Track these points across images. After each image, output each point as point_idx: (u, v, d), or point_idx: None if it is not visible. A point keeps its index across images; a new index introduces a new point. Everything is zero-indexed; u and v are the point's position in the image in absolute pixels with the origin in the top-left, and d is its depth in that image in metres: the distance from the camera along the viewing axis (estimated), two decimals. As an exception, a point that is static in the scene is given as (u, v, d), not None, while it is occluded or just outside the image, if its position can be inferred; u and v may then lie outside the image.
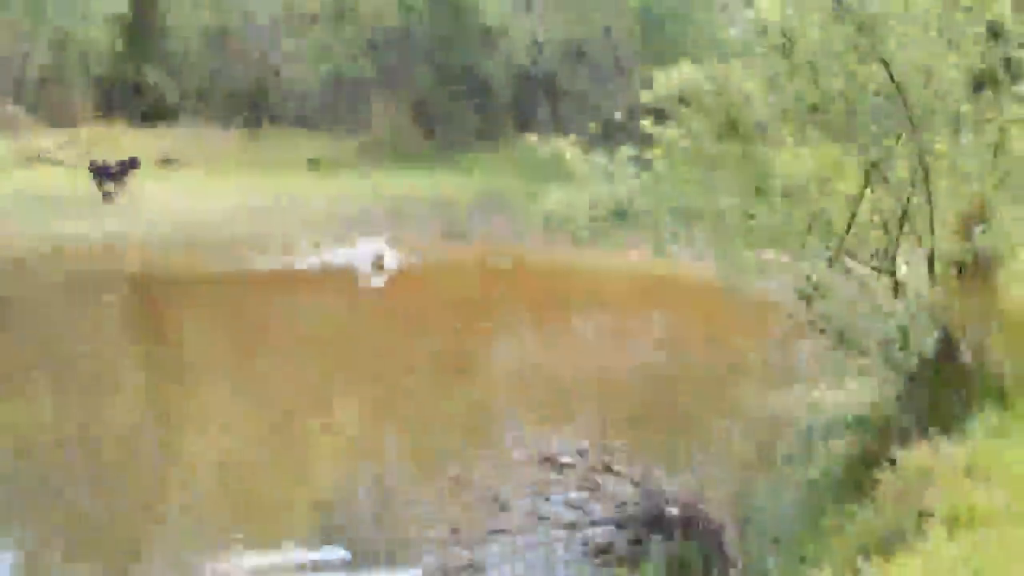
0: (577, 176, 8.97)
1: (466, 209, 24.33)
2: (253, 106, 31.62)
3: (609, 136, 9.69)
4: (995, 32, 7.97)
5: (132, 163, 26.78)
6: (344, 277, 19.95)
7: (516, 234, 22.45)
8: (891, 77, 7.89)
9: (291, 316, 17.36)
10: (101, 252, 21.13)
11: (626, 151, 9.02)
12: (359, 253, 20.51)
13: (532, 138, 9.48)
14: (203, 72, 33.41)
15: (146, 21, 33.53)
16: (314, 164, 28.09)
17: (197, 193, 25.29)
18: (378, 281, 19.64)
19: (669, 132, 8.89)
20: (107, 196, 26.09)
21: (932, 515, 6.28)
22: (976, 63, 8.02)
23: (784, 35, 8.18)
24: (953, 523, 6.13)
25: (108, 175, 26.50)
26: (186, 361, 14.72)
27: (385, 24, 30.48)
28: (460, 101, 29.32)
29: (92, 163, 26.89)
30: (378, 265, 20.03)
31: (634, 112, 9.56)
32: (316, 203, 24.80)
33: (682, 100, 8.83)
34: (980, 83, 8.24)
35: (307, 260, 20.61)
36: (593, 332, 15.58)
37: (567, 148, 9.09)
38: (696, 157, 8.95)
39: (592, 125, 9.48)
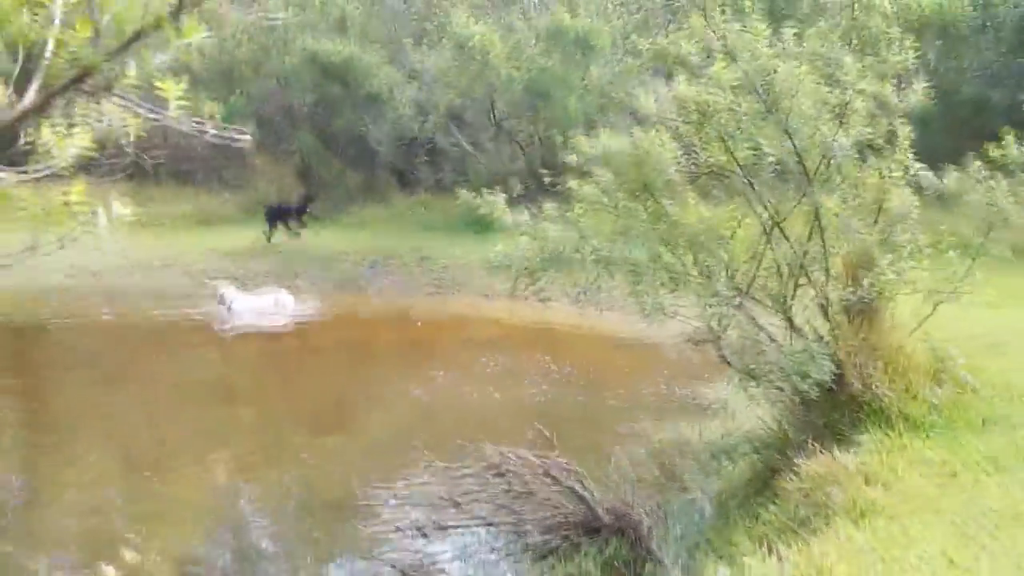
0: (502, 229, 9.91)
1: (357, 263, 25.14)
2: (139, 164, 31.72)
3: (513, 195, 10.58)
4: (880, 107, 9.32)
5: (309, 198, 26.49)
6: (247, 323, 20.52)
7: (408, 287, 23.49)
8: (793, 146, 9.14)
9: (185, 360, 17.89)
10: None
11: (552, 208, 10.04)
12: (261, 302, 21.12)
13: (465, 193, 10.28)
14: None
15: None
16: (203, 220, 28.56)
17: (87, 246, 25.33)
18: (279, 325, 20.31)
19: (588, 190, 9.98)
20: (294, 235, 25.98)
21: (835, 510, 7.46)
22: (863, 134, 9.32)
23: (699, 110, 9.36)
24: (854, 515, 7.31)
25: (287, 213, 26.17)
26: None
27: (271, 89, 31.27)
28: (344, 163, 30.18)
29: (269, 206, 26.47)
30: (279, 313, 20.69)
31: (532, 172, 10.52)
32: (211, 257, 25.34)
33: (600, 163, 9.91)
34: (866, 149, 9.57)
35: (207, 308, 21.08)
36: (502, 371, 16.48)
37: (496, 205, 9.99)
38: (613, 212, 10.02)
39: (518, 186, 10.31)
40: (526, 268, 9.66)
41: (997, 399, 9.75)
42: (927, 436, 8.91)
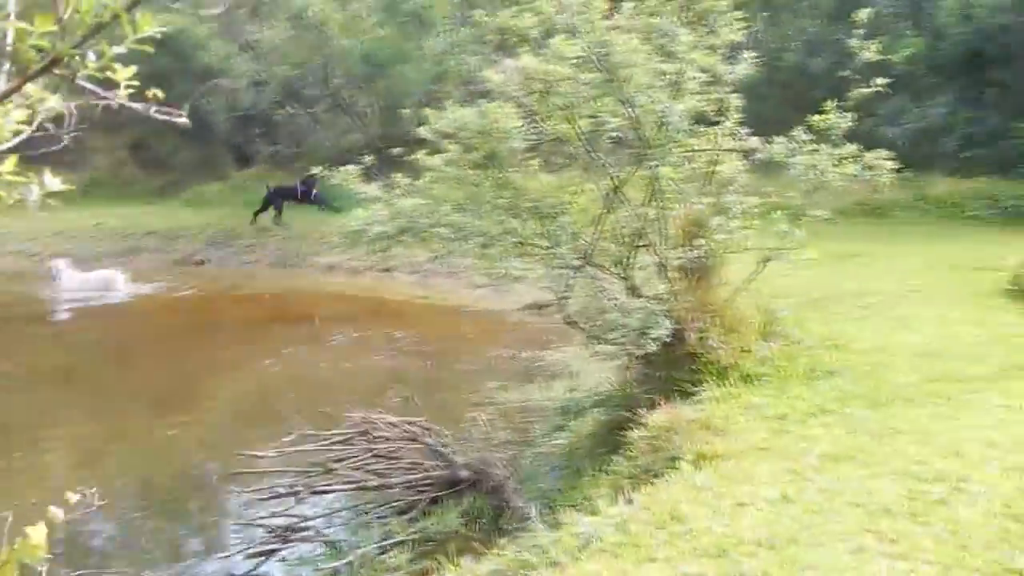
0: (349, 202, 10.22)
1: (198, 239, 25.05)
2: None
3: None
4: (712, 79, 9.94)
5: (311, 181, 24.68)
6: (81, 301, 20.29)
7: (251, 262, 23.54)
8: (631, 116, 9.68)
9: (17, 341, 17.71)
10: None
11: (402, 178, 10.40)
12: (92, 278, 20.93)
13: (316, 169, 10.53)
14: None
15: None
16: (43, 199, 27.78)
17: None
18: (116, 303, 20.18)
19: (436, 161, 10.37)
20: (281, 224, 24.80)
21: (680, 457, 8.05)
22: (696, 105, 9.92)
23: (542, 82, 9.81)
24: (696, 460, 7.90)
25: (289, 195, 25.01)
26: None
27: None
28: (178, 138, 29.91)
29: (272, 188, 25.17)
30: (112, 290, 20.55)
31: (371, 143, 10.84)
32: (47, 237, 24.87)
33: (449, 135, 10.29)
34: (699, 120, 10.19)
35: (47, 288, 20.82)
36: (351, 342, 16.76)
37: (350, 175, 10.30)
38: (461, 182, 10.43)
39: (369, 158, 10.59)
40: (382, 237, 9.95)
41: (821, 350, 10.54)
42: (759, 386, 9.60)
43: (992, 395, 9.22)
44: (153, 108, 2.70)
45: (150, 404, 14.04)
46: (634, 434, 8.80)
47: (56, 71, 2.51)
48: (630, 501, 7.28)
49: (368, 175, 10.34)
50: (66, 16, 2.40)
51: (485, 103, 9.84)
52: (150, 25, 2.51)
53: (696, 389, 9.49)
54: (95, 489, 3.23)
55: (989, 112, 26.84)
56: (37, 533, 3.16)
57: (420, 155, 10.24)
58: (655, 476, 7.90)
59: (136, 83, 2.66)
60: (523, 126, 9.94)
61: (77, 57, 2.53)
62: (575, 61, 9.71)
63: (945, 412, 8.75)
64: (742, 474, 7.46)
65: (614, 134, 9.89)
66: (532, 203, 10.21)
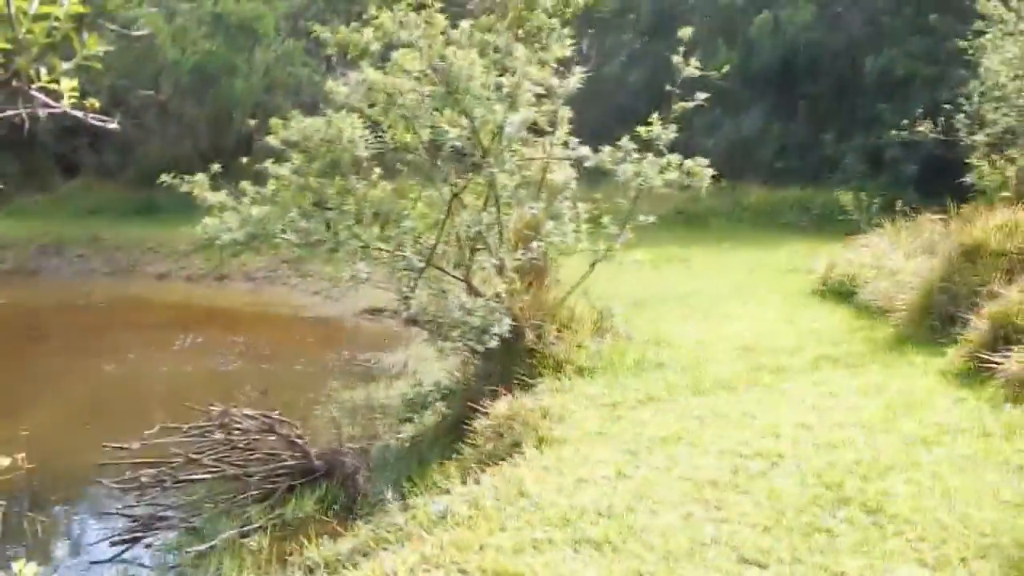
0: (214, 209, 10.51)
1: (26, 250, 24.70)
2: None
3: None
4: (545, 92, 10.58)
5: None
6: None
7: (83, 271, 23.36)
8: (471, 126, 10.26)
9: None
10: None
11: (248, 186, 10.74)
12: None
13: (166, 176, 10.70)
14: None
15: None
16: None
17: None
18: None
19: (283, 169, 10.75)
20: None
21: (522, 443, 8.64)
22: (530, 116, 10.54)
23: (386, 94, 10.31)
24: (538, 444, 8.51)
25: None
26: None
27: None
28: (2, 152, 29.32)
29: None
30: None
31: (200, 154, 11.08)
32: None
33: (295, 144, 10.69)
34: (532, 130, 10.83)
35: None
36: (191, 347, 16.91)
37: (200, 183, 10.59)
38: (306, 190, 10.83)
39: (214, 167, 10.82)
40: (234, 243, 10.27)
41: (648, 345, 11.31)
42: (592, 378, 10.29)
43: (805, 383, 10.10)
44: (90, 116, 3.13)
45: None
46: (478, 423, 9.36)
47: (15, 83, 2.92)
48: (478, 481, 7.84)
49: (215, 184, 10.64)
50: (21, 35, 2.82)
51: (330, 113, 10.27)
52: (95, 46, 2.94)
53: (535, 382, 10.10)
54: (23, 454, 3.57)
55: (799, 124, 28.38)
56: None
57: (267, 163, 10.59)
58: (500, 460, 8.45)
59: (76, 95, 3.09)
60: (367, 136, 10.39)
61: (32, 70, 2.95)
62: (416, 75, 10.23)
63: (763, 398, 9.57)
64: (581, 456, 8.08)
65: (454, 143, 10.42)
66: (375, 209, 10.67)
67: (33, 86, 2.95)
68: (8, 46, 2.90)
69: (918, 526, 6.44)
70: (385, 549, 7.00)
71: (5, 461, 3.39)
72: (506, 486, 7.51)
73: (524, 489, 7.39)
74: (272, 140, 10.49)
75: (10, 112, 3.13)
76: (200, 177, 10.54)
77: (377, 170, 10.96)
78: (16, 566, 3.33)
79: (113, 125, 3.20)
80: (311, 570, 7.62)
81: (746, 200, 25.85)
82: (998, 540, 6.16)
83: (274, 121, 10.73)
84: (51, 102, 3.03)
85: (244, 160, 11.02)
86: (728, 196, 25.10)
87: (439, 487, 8.26)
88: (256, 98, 27.10)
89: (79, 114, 3.10)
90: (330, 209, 10.57)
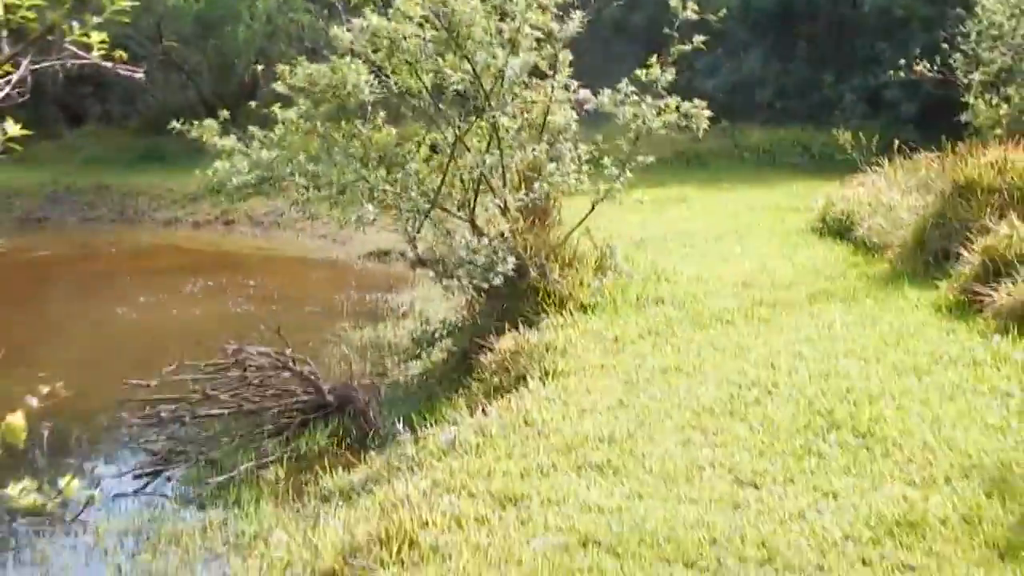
0: (224, 153, 10.76)
1: (36, 198, 24.97)
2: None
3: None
4: (545, 36, 10.81)
5: None
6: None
7: (92, 219, 23.65)
8: (473, 71, 10.50)
9: None
10: None
11: (256, 131, 11.01)
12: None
13: (175, 123, 10.94)
14: None
15: None
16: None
17: None
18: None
19: (290, 114, 11.02)
20: None
21: (528, 375, 8.97)
22: (531, 60, 10.78)
23: (390, 40, 10.54)
24: (543, 377, 8.84)
25: None
26: None
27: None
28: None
29: None
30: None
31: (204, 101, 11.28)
32: None
33: (301, 89, 10.95)
34: (534, 75, 11.07)
35: None
36: (202, 291, 17.22)
37: (210, 128, 10.86)
38: (313, 134, 11.10)
39: (223, 113, 11.05)
40: (244, 186, 10.55)
41: (649, 282, 11.61)
42: (594, 314, 10.60)
43: (801, 317, 10.41)
44: (117, 66, 3.41)
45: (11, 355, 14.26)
46: (485, 359, 9.69)
47: (50, 36, 3.20)
48: (486, 412, 8.19)
49: (224, 129, 10.90)
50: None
51: (335, 59, 10.52)
52: (122, 1, 3.22)
53: (538, 318, 10.41)
54: (62, 382, 3.82)
55: (799, 65, 28.52)
56: (17, 417, 3.79)
57: (275, 108, 10.85)
58: (506, 393, 8.79)
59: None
60: (371, 81, 10.63)
61: (65, 24, 3.22)
62: (419, 20, 10.46)
63: (760, 332, 9.89)
64: (584, 387, 8.42)
65: (456, 88, 10.66)
66: (380, 153, 10.95)
67: (67, 39, 3.21)
68: (43, 2, 3.17)
69: (906, 449, 6.77)
70: (397, 478, 7.35)
71: (44, 389, 3.65)
72: (512, 416, 7.85)
73: (529, 418, 7.74)
74: (279, 86, 10.72)
75: (48, 62, 3.40)
76: (209, 122, 10.79)
77: (382, 114, 11.19)
78: (62, 482, 3.56)
79: (139, 75, 3.48)
80: (326, 498, 7.97)
81: (746, 141, 26.06)
82: (981, 461, 6.49)
83: (281, 67, 10.97)
84: (82, 53, 3.30)
85: (253, 105, 11.27)
86: (728, 137, 25.30)
87: (448, 419, 8.59)
88: (258, 45, 27.22)
89: (108, 64, 3.37)
90: (337, 152, 10.80)
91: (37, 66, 3.43)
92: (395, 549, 5.83)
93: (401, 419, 9.13)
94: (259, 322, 12.84)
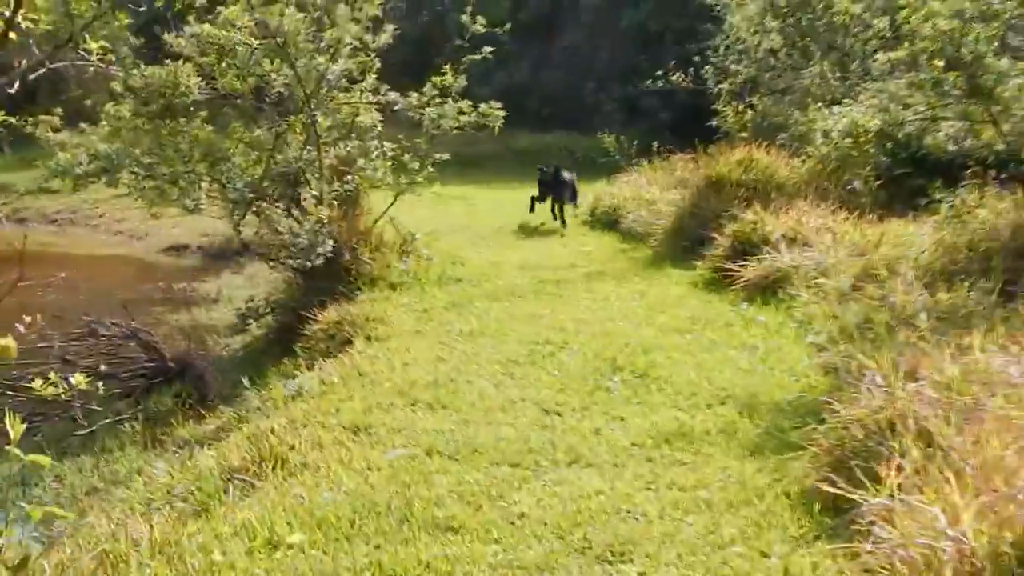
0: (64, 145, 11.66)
1: None
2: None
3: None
4: (360, 46, 12.14)
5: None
6: None
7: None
8: (296, 76, 11.73)
9: None
10: None
11: (93, 129, 11.96)
12: None
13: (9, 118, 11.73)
14: None
15: None
16: None
17: None
18: None
19: (123, 110, 11.97)
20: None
21: (353, 340, 10.30)
22: (349, 65, 12.10)
23: (221, 46, 11.66)
24: (366, 341, 10.19)
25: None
26: None
27: None
28: None
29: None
30: None
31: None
32: None
33: (130, 89, 11.91)
34: (348, 79, 12.39)
35: None
36: (28, 280, 17.56)
37: (45, 124, 11.74)
38: (141, 131, 12.09)
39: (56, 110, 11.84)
40: (84, 176, 11.47)
41: (447, 264, 13.13)
42: (403, 291, 12.05)
43: (581, 292, 12.11)
44: (111, 67, 4.63)
45: None
46: (310, 329, 10.95)
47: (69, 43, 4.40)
48: (322, 368, 9.48)
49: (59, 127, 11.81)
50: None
51: (169, 62, 11.58)
52: (126, 19, 4.45)
53: (353, 295, 11.75)
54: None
55: (563, 74, 30.56)
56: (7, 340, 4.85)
57: (108, 107, 11.81)
58: (335, 355, 10.08)
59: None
60: (200, 83, 11.74)
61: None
62: (244, 29, 11.63)
63: (547, 303, 11.52)
64: (404, 347, 9.82)
65: (279, 90, 11.89)
66: (205, 148, 12.06)
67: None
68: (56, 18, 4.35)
69: (675, 385, 8.44)
70: (254, 420, 8.58)
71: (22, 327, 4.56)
72: (347, 369, 9.20)
73: (362, 370, 9.10)
74: (116, 85, 11.68)
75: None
76: (46, 118, 11.67)
77: (202, 113, 12.25)
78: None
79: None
80: (182, 447, 9.07)
81: (516, 145, 27.74)
82: (734, 392, 8.19)
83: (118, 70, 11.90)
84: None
85: (87, 102, 12.19)
86: (500, 141, 26.88)
87: (286, 376, 9.84)
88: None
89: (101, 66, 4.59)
90: (168, 147, 11.84)
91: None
92: (270, 468, 7.09)
93: (247, 378, 10.23)
94: (72, 309, 13.54)
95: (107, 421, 9.94)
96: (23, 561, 4.38)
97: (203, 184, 11.75)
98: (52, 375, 5.07)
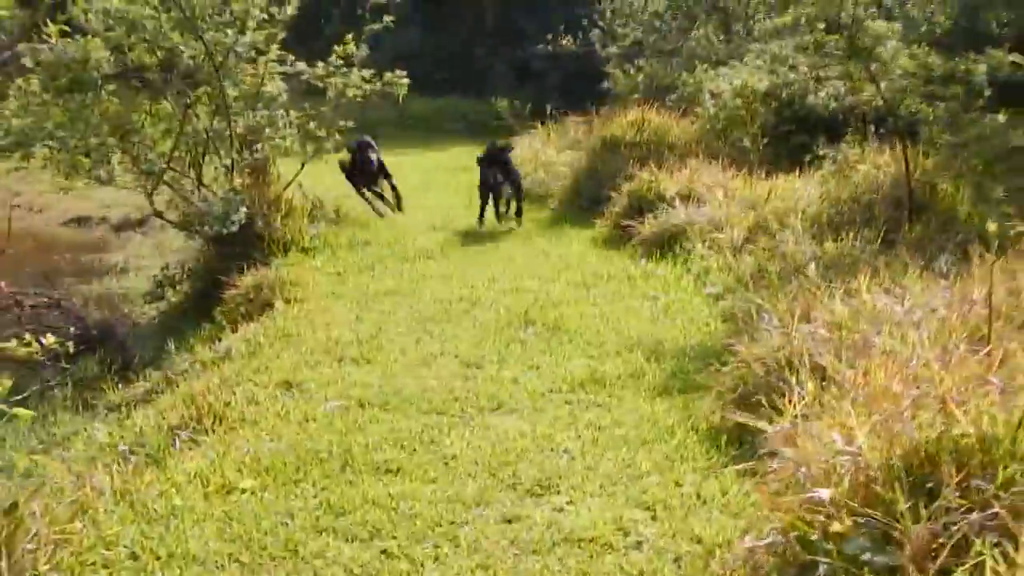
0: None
1: None
2: None
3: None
4: (267, 18, 12.44)
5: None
6: None
7: None
8: (205, 48, 12.00)
9: None
10: None
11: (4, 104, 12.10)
12: None
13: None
14: None
15: None
16: None
17: None
18: None
19: (33, 84, 12.12)
20: None
21: (272, 303, 10.67)
22: (256, 37, 12.40)
23: (131, 21, 11.87)
24: (288, 304, 10.58)
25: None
26: None
27: None
28: None
29: None
30: None
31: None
32: None
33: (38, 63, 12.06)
34: (256, 50, 12.68)
35: None
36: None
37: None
38: (50, 105, 12.26)
39: None
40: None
41: (356, 228, 13.55)
42: (315, 256, 12.44)
43: (488, 252, 12.67)
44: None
45: None
46: (229, 294, 11.28)
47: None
48: (245, 331, 9.86)
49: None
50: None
51: (78, 37, 11.75)
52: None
53: (268, 260, 12.11)
54: None
55: (451, 38, 30.95)
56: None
57: (19, 81, 11.97)
58: (255, 318, 10.45)
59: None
60: (109, 57, 11.95)
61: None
62: (155, 3, 11.87)
63: (457, 264, 12.05)
64: (323, 308, 10.24)
65: (187, 62, 12.15)
66: (115, 122, 12.28)
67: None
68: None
69: (585, 336, 9.02)
70: (183, 382, 8.93)
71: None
72: (270, 331, 9.59)
73: (286, 331, 9.50)
74: (27, 61, 11.83)
75: None
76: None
77: (111, 87, 12.45)
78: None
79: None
80: (112, 409, 9.38)
81: (410, 110, 28.02)
82: (640, 341, 8.79)
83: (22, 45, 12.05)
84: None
85: (-1, 77, 12.33)
86: (394, 107, 27.22)
87: (210, 340, 10.19)
88: None
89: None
90: (78, 120, 12.03)
91: None
92: (209, 424, 7.49)
93: (172, 342, 10.54)
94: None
95: (36, 388, 10.19)
96: (13, 504, 4.79)
97: (115, 157, 11.95)
98: (27, 336, 5.39)
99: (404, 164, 21.30)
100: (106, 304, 13.05)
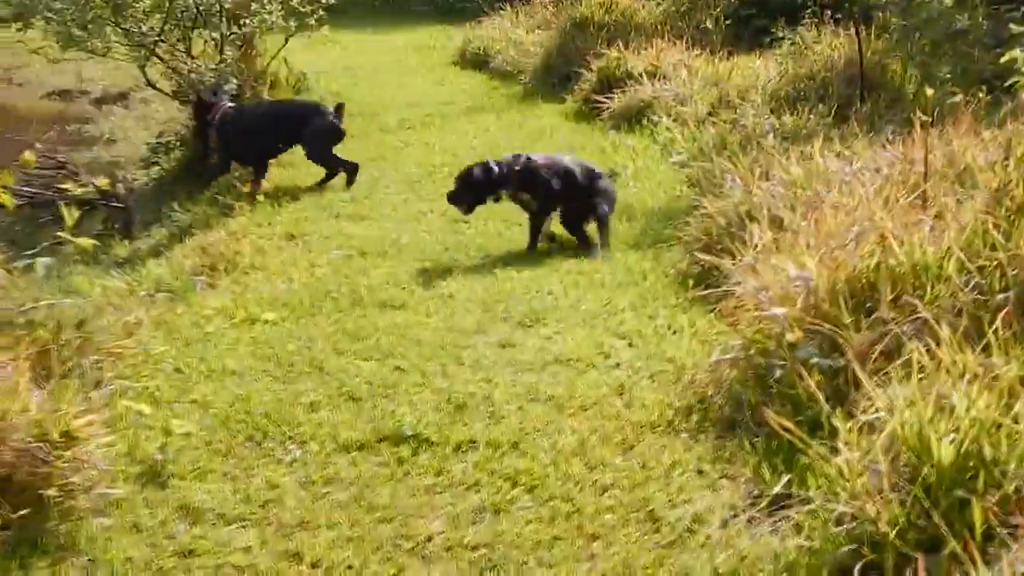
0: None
1: None
2: None
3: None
4: None
5: None
6: None
7: None
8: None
9: None
10: None
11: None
12: None
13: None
14: None
15: None
16: None
17: None
18: None
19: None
20: None
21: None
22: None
23: None
24: (280, 167, 11.23)
25: None
26: None
27: None
28: None
29: None
30: None
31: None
32: None
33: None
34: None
35: None
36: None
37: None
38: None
39: None
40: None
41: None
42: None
43: (464, 124, 13.38)
44: None
45: None
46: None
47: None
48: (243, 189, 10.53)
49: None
50: None
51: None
52: None
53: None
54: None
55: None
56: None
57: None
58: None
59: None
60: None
61: None
62: None
63: (436, 134, 12.77)
64: (316, 171, 10.87)
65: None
66: None
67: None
68: None
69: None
70: (191, 236, 9.65)
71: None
72: (268, 188, 10.32)
73: (284, 189, 10.25)
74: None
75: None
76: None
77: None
78: None
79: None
80: (122, 264, 10.03)
81: (379, -8, 28.30)
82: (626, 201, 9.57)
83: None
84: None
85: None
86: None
87: (210, 200, 10.87)
88: None
89: None
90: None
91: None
92: (222, 269, 8.25)
93: (176, 202, 11.12)
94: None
95: (46, 244, 10.83)
96: (83, 321, 5.57)
97: (108, 28, 12.42)
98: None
99: (374, 43, 21.87)
100: (100, 170, 13.54)
